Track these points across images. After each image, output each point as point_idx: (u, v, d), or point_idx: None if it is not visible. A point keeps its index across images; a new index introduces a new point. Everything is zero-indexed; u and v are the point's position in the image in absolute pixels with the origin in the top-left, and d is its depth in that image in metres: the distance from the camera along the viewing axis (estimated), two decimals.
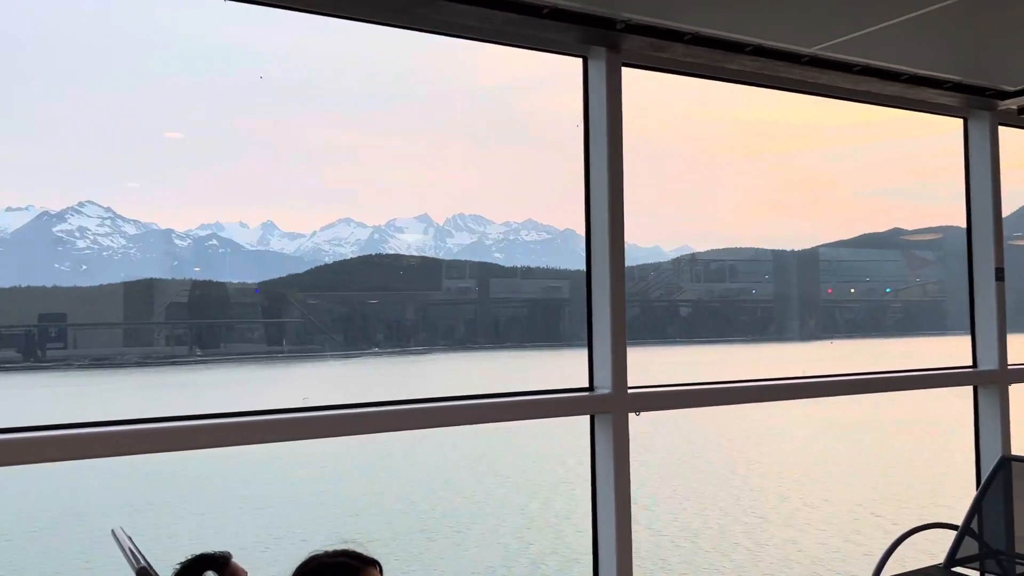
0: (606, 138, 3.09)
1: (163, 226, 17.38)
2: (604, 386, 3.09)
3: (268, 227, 18.66)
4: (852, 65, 3.36)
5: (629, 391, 3.10)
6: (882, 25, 3.01)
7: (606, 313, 3.10)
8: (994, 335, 4.25)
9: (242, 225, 18.65)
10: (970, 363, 4.37)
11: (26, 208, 15.96)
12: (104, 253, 16.87)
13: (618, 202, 3.13)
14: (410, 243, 18.84)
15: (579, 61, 3.23)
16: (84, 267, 16.70)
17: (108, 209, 16.80)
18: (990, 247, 4.26)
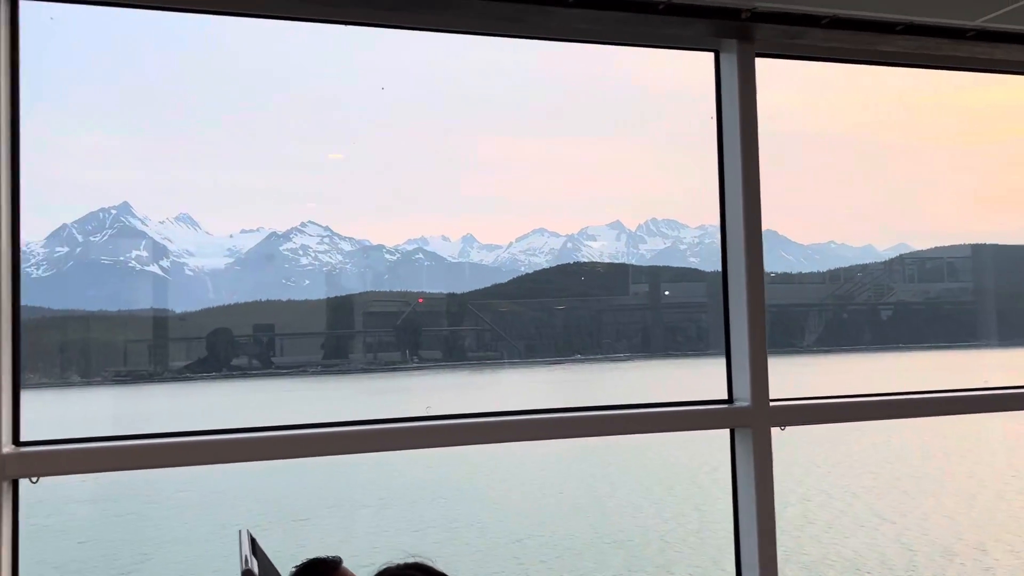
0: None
1: (375, 242, 18.43)
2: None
3: (468, 240, 19.32)
4: None
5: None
6: None
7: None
8: (746, 360, 2.93)
9: (444, 239, 19.44)
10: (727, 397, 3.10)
11: (257, 230, 17.54)
12: (324, 268, 18.21)
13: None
14: (602, 250, 18.77)
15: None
16: (307, 282, 18.10)
17: (327, 228, 18.08)
18: (740, 241, 2.99)
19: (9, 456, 2.33)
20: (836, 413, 3.05)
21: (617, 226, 19.65)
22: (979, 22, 2.82)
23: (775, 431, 2.89)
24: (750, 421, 2.86)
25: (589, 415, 2.88)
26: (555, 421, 2.87)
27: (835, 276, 14.37)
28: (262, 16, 2.68)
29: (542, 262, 20.06)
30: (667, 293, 14.15)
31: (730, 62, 2.95)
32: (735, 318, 2.94)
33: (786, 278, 13.44)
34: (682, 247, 18.97)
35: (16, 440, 2.42)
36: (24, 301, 2.58)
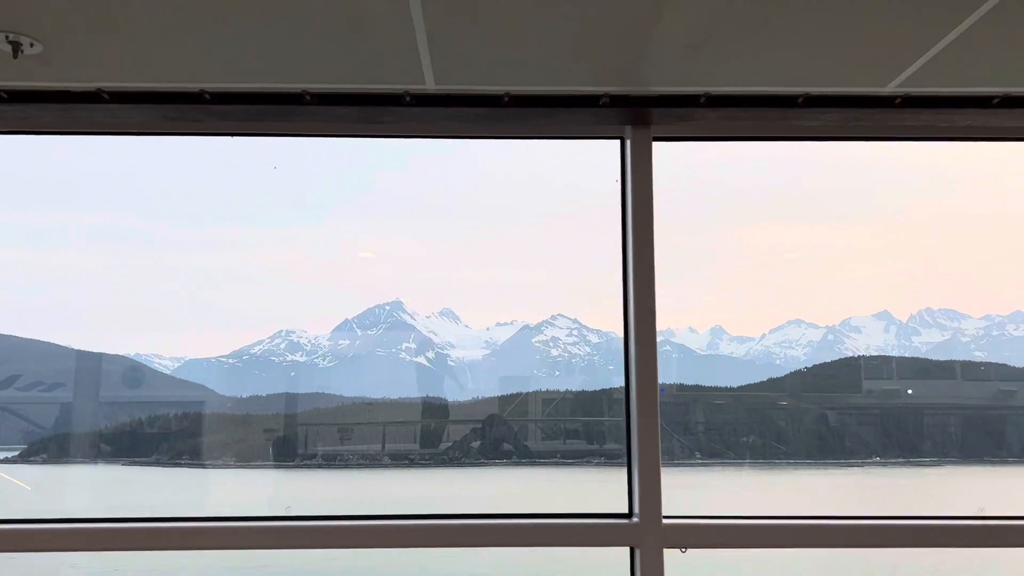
0: (631, 222, 2.76)
1: (619, 335, 18.56)
2: (638, 514, 2.62)
3: (716, 331, 18.72)
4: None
5: (665, 521, 2.57)
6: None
7: (636, 426, 2.66)
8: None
9: (691, 330, 19.03)
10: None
11: (511, 323, 18.59)
12: (572, 360, 18.70)
13: (649, 296, 2.73)
14: (869, 343, 17.03)
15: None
16: (557, 373, 18.69)
17: (575, 320, 18.65)
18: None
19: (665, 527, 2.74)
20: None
21: (885, 316, 17.80)
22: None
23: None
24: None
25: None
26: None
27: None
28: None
29: (799, 354, 18.75)
30: (910, 392, 12.50)
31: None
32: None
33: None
34: (964, 339, 16.67)
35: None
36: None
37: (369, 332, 19.65)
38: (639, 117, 2.72)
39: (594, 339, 21.22)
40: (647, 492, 2.60)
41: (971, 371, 12.76)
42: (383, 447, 11.30)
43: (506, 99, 2.65)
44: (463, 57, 2.54)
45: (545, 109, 2.61)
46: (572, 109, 2.62)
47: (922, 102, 2.50)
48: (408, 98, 2.68)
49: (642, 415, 2.64)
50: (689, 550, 2.58)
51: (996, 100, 2.42)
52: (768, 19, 2.28)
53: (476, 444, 11.28)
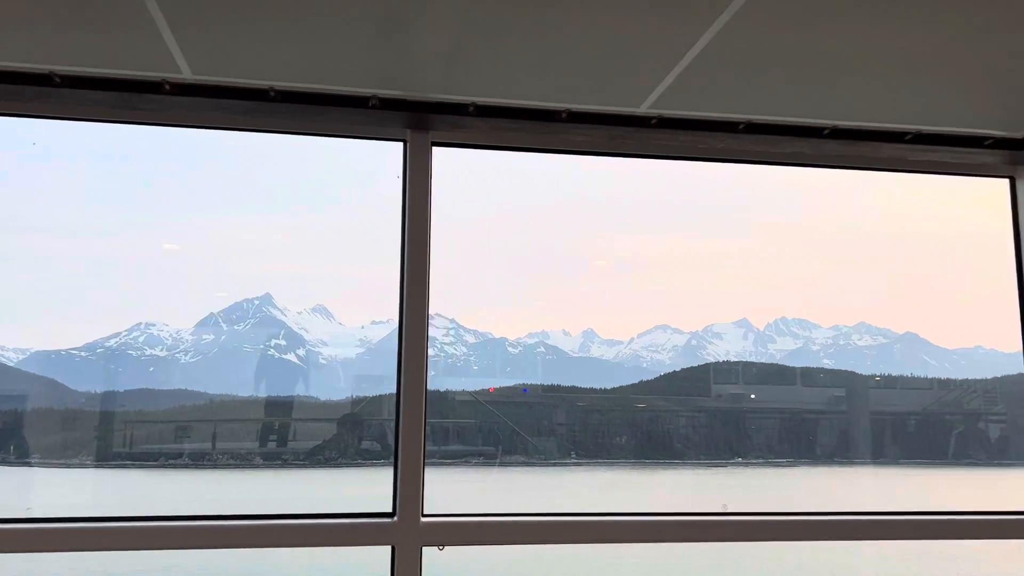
0: (408, 224, 2.80)
1: (497, 335, 18.76)
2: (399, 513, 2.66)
3: (588, 334, 19.16)
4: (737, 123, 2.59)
5: (424, 519, 2.63)
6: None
7: (401, 425, 2.71)
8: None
9: (564, 333, 19.41)
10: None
11: (387, 321, 18.48)
12: (448, 360, 18.73)
13: (420, 296, 2.79)
14: (729, 349, 17.81)
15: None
16: (433, 373, 18.65)
17: (452, 321, 18.70)
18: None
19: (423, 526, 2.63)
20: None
21: (744, 324, 18.64)
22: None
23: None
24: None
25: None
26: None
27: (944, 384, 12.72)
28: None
29: (664, 359, 19.42)
30: (753, 396, 13.15)
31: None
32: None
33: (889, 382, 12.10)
34: (814, 347, 17.60)
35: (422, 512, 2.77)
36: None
37: (236, 327, 19.08)
38: (417, 122, 2.77)
39: (471, 339, 21.27)
40: (408, 491, 2.64)
41: (809, 378, 13.52)
42: (213, 446, 10.91)
43: (272, 94, 2.65)
44: (217, 49, 2.53)
45: (317, 107, 2.63)
46: (344, 108, 2.65)
47: (676, 123, 2.66)
48: (168, 87, 2.65)
49: (407, 415, 2.68)
50: (449, 548, 2.62)
51: (742, 126, 2.60)
52: (518, 33, 2.36)
53: (328, 443, 11.10)
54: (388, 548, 2.68)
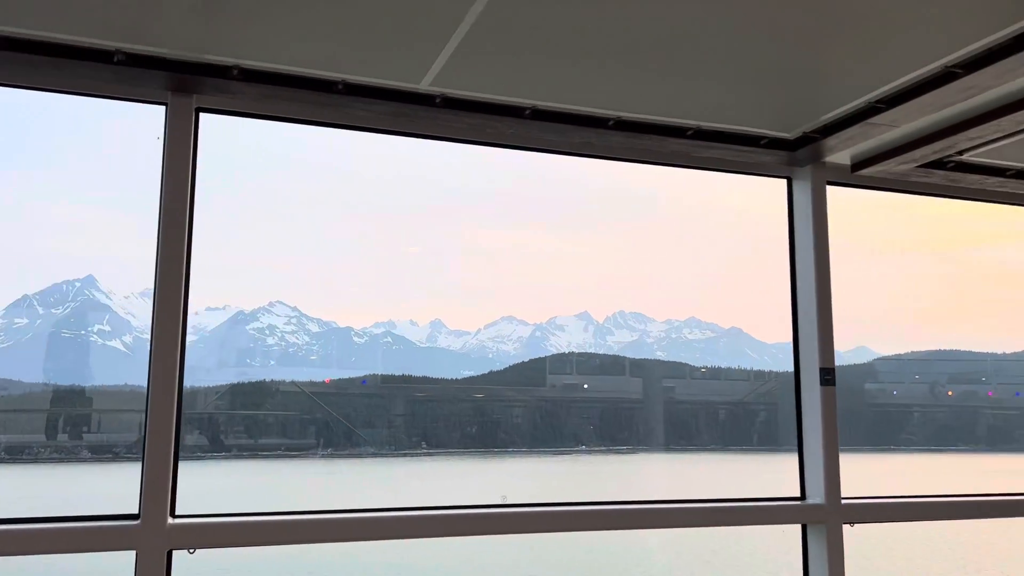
0: (166, 190, 2.69)
1: (342, 324, 18.38)
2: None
3: (436, 325, 19.37)
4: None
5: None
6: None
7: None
8: (819, 458, 3.05)
9: (412, 323, 19.46)
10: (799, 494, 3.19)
11: (223, 307, 17.36)
12: (290, 350, 18.00)
13: (174, 285, 2.88)
14: (571, 340, 18.96)
15: None
16: (272, 362, 17.87)
17: (295, 308, 17.99)
18: (814, 340, 3.16)
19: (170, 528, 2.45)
20: (907, 512, 3.15)
21: (585, 317, 19.91)
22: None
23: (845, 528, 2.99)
24: (824, 518, 2.95)
25: (659, 508, 2.93)
26: (612, 513, 2.90)
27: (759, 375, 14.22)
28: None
29: (509, 349, 20.16)
30: (586, 386, 14.14)
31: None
32: (808, 417, 3.07)
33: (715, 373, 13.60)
34: (649, 340, 19.23)
35: (172, 513, 2.50)
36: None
37: (54, 311, 16.97)
38: (178, 83, 2.58)
39: (315, 328, 20.52)
40: (153, 491, 2.46)
41: (637, 368, 14.68)
42: None
43: None
44: None
45: (51, 59, 2.36)
46: (83, 62, 2.39)
47: (461, 104, 2.70)
48: None
49: (155, 407, 2.55)
50: (199, 551, 2.46)
51: (528, 111, 2.75)
52: None
53: (122, 437, 10.29)
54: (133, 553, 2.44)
